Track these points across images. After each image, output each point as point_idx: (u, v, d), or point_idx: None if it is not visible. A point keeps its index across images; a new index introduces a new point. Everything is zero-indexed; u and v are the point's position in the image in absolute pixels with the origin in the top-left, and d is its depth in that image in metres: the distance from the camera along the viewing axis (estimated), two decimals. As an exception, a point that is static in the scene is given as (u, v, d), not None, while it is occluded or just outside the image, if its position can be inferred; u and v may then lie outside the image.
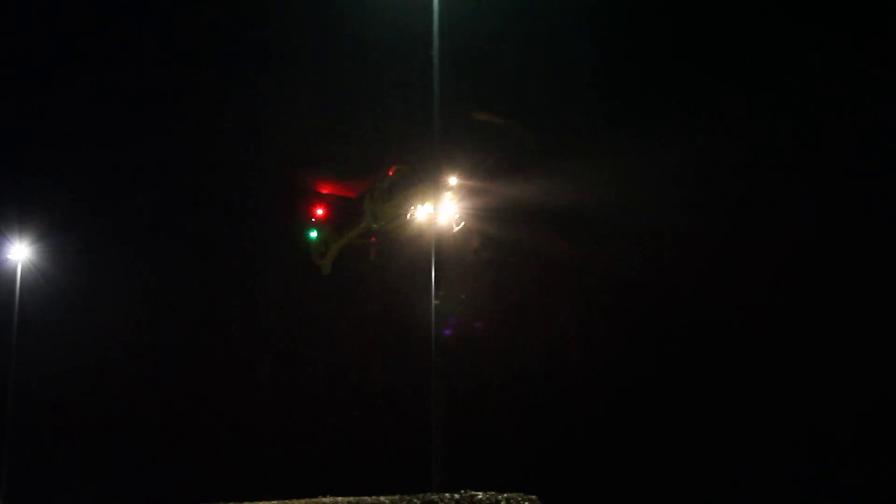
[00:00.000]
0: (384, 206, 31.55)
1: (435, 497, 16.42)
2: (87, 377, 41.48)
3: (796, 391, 32.38)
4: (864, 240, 32.37)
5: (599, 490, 31.11)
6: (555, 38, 36.08)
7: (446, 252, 27.70)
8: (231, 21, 41.97)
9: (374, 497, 17.18)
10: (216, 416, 40.72)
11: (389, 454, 35.01)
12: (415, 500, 16.38)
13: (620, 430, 34.58)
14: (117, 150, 44.78)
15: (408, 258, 31.26)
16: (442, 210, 28.48)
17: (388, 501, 16.73)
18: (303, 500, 18.37)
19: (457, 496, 16.30)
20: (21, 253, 38.79)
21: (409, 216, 30.62)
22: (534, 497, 16.84)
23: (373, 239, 33.25)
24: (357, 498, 17.51)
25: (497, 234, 33.71)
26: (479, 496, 16.32)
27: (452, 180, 29.68)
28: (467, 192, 30.40)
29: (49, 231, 39.80)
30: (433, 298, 21.88)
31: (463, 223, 29.92)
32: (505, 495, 16.44)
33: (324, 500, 18.09)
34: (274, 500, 18.88)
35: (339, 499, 17.82)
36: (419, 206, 30.25)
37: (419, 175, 29.85)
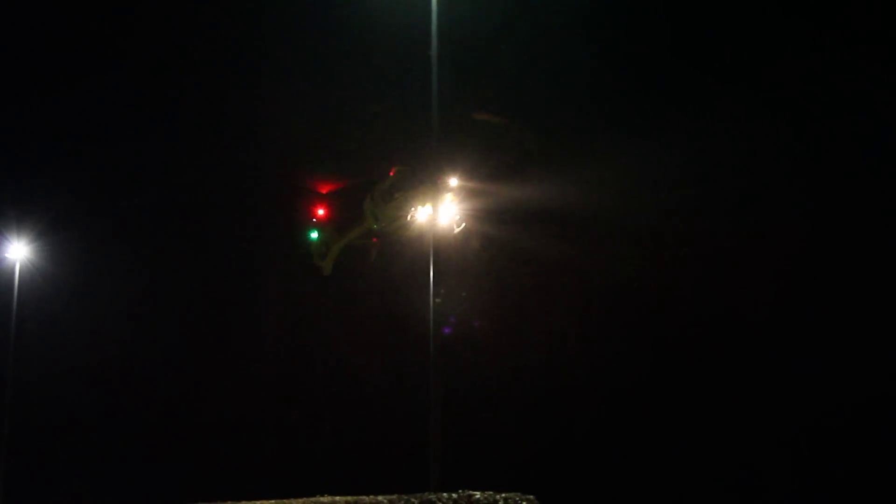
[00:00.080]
0: (385, 207, 31.56)
1: (433, 497, 16.43)
2: (85, 376, 41.46)
3: (793, 391, 32.44)
4: (861, 241, 32.43)
5: (597, 490, 31.13)
6: (554, 39, 36.12)
7: (447, 253, 27.78)
8: (231, 21, 41.99)
9: (372, 496, 17.17)
10: (215, 415, 40.71)
11: (388, 454, 35.01)
12: (413, 500, 16.39)
13: (618, 429, 34.61)
14: (116, 149, 44.79)
15: (409, 259, 31.28)
16: (442, 211, 28.54)
17: (386, 501, 16.72)
18: (301, 500, 18.36)
19: (455, 496, 16.31)
20: (19, 252, 38.76)
21: (409, 217, 30.62)
22: (532, 497, 16.85)
23: (374, 240, 33.24)
24: (355, 497, 17.50)
25: (497, 235, 33.75)
26: (477, 496, 16.33)
27: (453, 181, 29.72)
28: (468, 194, 30.42)
29: (47, 230, 39.79)
30: (431, 298, 21.90)
31: (464, 224, 29.95)
32: (503, 495, 16.45)
33: (322, 499, 18.08)
34: (272, 499, 18.88)
35: (338, 498, 17.81)
36: (420, 208, 30.25)
37: (419, 176, 29.86)
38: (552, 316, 36.33)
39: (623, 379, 35.18)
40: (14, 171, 45.54)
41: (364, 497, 17.31)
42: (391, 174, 31.56)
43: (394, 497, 16.74)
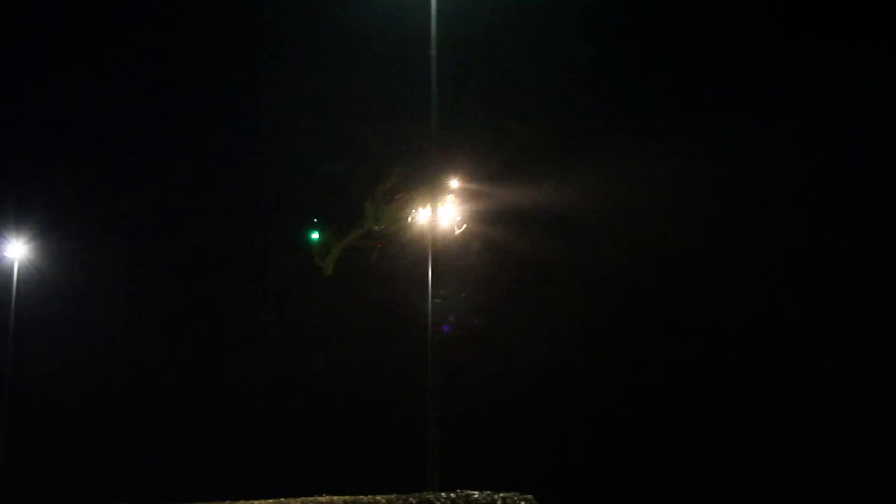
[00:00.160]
0: (385, 209, 31.60)
1: (431, 496, 16.43)
2: (84, 375, 41.46)
3: (790, 390, 32.52)
4: (857, 243, 32.55)
5: (596, 489, 31.16)
6: (555, 40, 36.16)
7: (447, 254, 27.84)
8: (231, 20, 41.97)
9: (370, 496, 17.17)
10: (214, 415, 40.72)
11: (386, 453, 35.03)
12: (411, 500, 16.39)
13: (617, 429, 34.67)
14: (115, 148, 44.81)
15: (410, 260, 31.33)
16: (443, 213, 28.62)
17: (384, 500, 16.72)
18: (299, 499, 18.37)
19: (453, 495, 16.31)
20: (18, 251, 38.76)
21: (410, 219, 30.65)
22: (530, 496, 16.85)
23: (378, 245, 33.28)
24: (353, 497, 17.50)
25: (498, 236, 33.78)
26: (476, 495, 16.33)
27: (454, 183, 29.77)
28: (469, 195, 30.46)
29: (46, 229, 39.77)
30: (430, 298, 21.92)
31: (465, 226, 30.01)
32: (501, 494, 16.45)
33: (320, 499, 18.08)
34: (270, 498, 18.89)
35: (336, 498, 17.81)
36: (420, 209, 30.29)
37: (420, 177, 29.91)
38: (551, 316, 36.37)
39: (622, 379, 35.24)
40: (12, 170, 45.54)
41: (362, 497, 17.32)
42: (392, 175, 31.61)
43: (392, 497, 16.74)
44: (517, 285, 36.55)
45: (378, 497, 16.94)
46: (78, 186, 44.04)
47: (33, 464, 40.05)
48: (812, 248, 33.39)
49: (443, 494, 16.40)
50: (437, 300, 21.94)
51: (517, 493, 16.72)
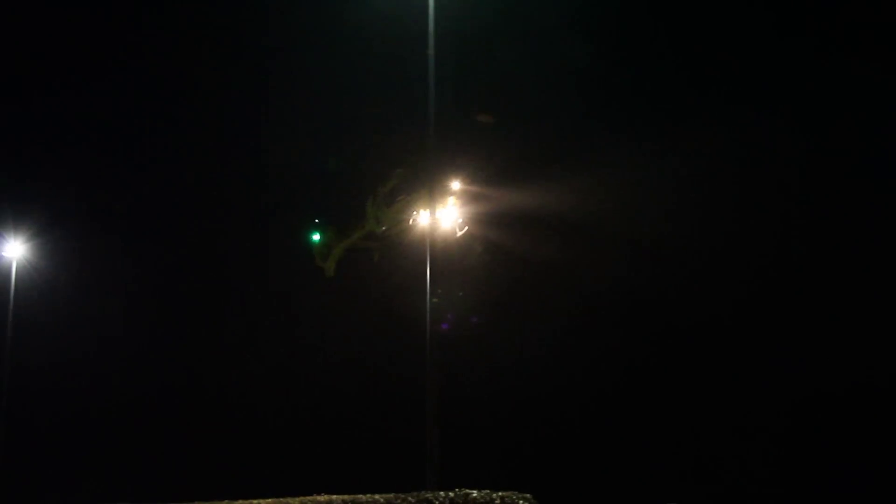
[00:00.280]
0: (387, 210, 31.57)
1: (430, 495, 16.44)
2: (82, 374, 41.45)
3: (788, 390, 32.58)
4: (852, 246, 32.66)
5: (594, 488, 31.18)
6: (555, 41, 36.21)
7: (448, 255, 27.84)
8: (231, 22, 41.99)
9: (369, 495, 17.19)
10: (213, 414, 40.72)
11: (385, 452, 35.05)
12: (410, 499, 16.39)
13: (615, 428, 34.70)
14: (115, 147, 44.79)
15: (411, 261, 31.27)
16: (445, 214, 28.63)
17: (383, 500, 16.73)
18: (298, 499, 18.38)
19: (451, 494, 16.31)
20: (16, 250, 38.73)
21: (411, 221, 30.60)
22: (529, 496, 16.85)
23: (377, 248, 33.24)
24: (352, 496, 17.52)
25: (499, 238, 33.76)
26: (474, 494, 16.33)
27: (455, 185, 29.76)
28: (471, 197, 30.44)
29: (44, 228, 39.75)
30: (428, 299, 21.93)
31: (466, 228, 30.00)
32: (500, 493, 16.45)
33: (319, 498, 18.10)
34: (269, 497, 18.90)
35: (335, 497, 17.82)
36: (421, 211, 30.24)
37: (422, 179, 29.85)
38: (550, 317, 36.42)
39: (620, 379, 35.29)
40: (11, 169, 45.51)
41: (361, 496, 17.33)
42: (393, 177, 31.56)
43: (391, 496, 16.75)
44: (517, 286, 36.60)
45: (377, 496, 16.96)
46: (77, 185, 44.07)
47: (32, 464, 40.04)
48: (810, 249, 33.46)
49: (441, 493, 16.41)
50: (436, 300, 21.95)
51: (516, 493, 16.72)
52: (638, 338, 35.51)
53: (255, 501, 18.96)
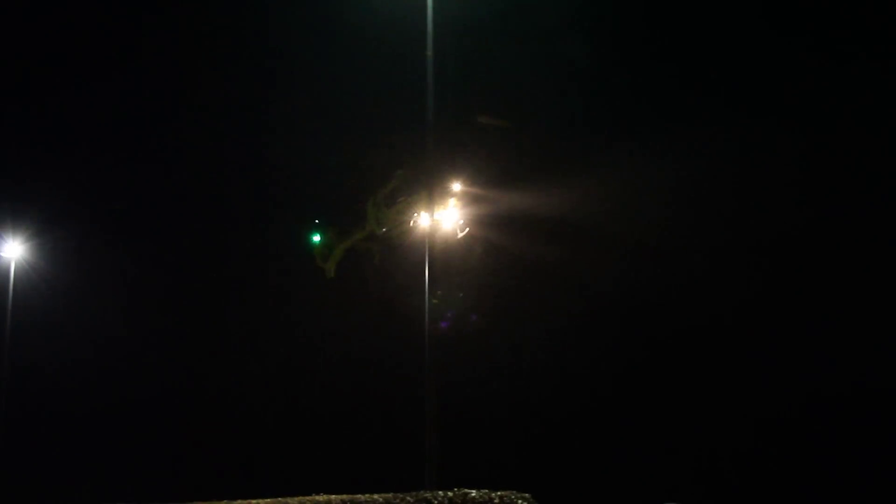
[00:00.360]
0: (387, 211, 31.56)
1: (428, 495, 16.46)
2: (81, 375, 41.43)
3: (784, 389, 32.66)
4: (850, 247, 32.76)
5: (593, 488, 31.22)
6: (557, 45, 36.27)
7: (450, 257, 27.85)
8: (233, 24, 42.00)
9: (367, 495, 17.20)
10: (211, 414, 40.72)
11: (384, 452, 35.07)
12: (408, 498, 16.41)
13: (613, 428, 34.74)
14: (114, 148, 44.78)
15: (412, 262, 31.28)
16: (446, 216, 28.65)
17: (381, 499, 16.75)
18: (297, 498, 18.40)
19: (450, 494, 16.33)
20: (15, 250, 38.72)
21: (412, 222, 30.58)
22: (527, 495, 16.88)
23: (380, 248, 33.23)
24: (351, 496, 17.53)
25: (500, 240, 33.76)
26: (473, 494, 16.35)
27: (456, 186, 29.77)
28: (472, 199, 30.44)
29: (43, 228, 39.73)
30: (427, 299, 21.95)
31: (467, 229, 30.01)
32: (498, 493, 16.47)
33: (318, 497, 18.12)
34: (268, 497, 18.92)
35: (333, 496, 17.84)
36: (422, 212, 30.23)
37: (422, 180, 29.87)
38: (549, 317, 36.47)
39: (619, 378, 35.33)
40: (9, 169, 45.49)
41: (360, 495, 17.34)
42: (393, 178, 31.54)
43: (389, 495, 16.76)
44: (517, 287, 36.64)
45: (375, 496, 16.97)
46: (75, 185, 44.05)
47: (31, 464, 40.04)
48: (808, 249, 33.54)
49: (440, 493, 16.42)
50: (436, 301, 21.98)
51: (514, 492, 16.74)
52: (638, 338, 35.56)
53: (255, 501, 18.98)
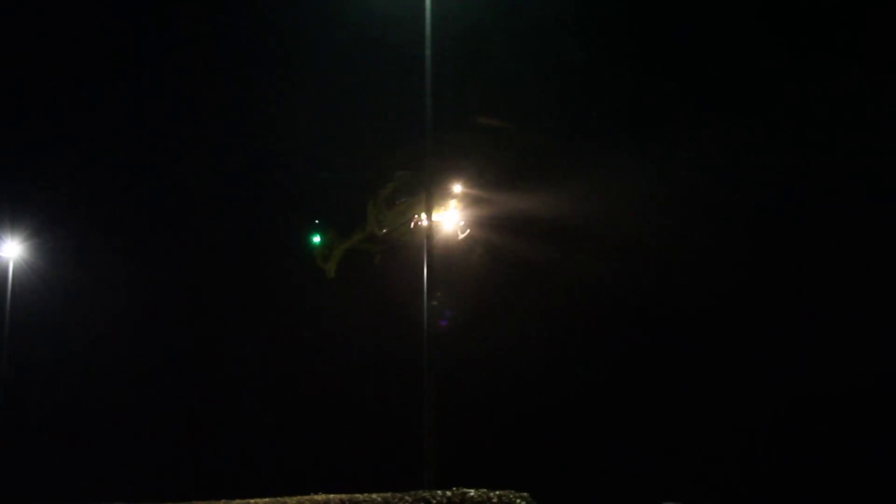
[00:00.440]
0: (388, 212, 31.52)
1: (427, 494, 16.45)
2: (80, 374, 41.41)
3: (783, 389, 32.71)
4: (847, 247, 32.86)
5: (591, 487, 31.24)
6: (556, 46, 36.30)
7: (450, 258, 27.83)
8: (234, 25, 42.02)
9: (366, 494, 17.20)
10: (211, 414, 40.73)
11: (382, 452, 35.08)
12: (407, 498, 16.40)
13: (611, 427, 34.76)
14: (114, 148, 44.77)
15: (412, 263, 31.27)
16: (447, 217, 28.64)
17: (380, 499, 16.74)
18: (296, 498, 18.41)
19: (448, 493, 16.32)
20: (13, 250, 38.69)
21: (412, 224, 30.53)
22: (526, 494, 16.86)
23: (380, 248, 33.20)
24: (349, 495, 17.53)
25: (500, 241, 33.74)
26: (471, 493, 16.34)
27: (457, 188, 29.75)
28: (473, 201, 30.41)
29: (41, 228, 39.70)
30: (425, 300, 21.93)
31: (468, 231, 29.98)
32: (497, 492, 16.46)
33: (316, 497, 18.12)
34: (267, 496, 18.93)
35: (332, 496, 17.84)
36: (423, 214, 30.21)
37: (422, 181, 29.84)
38: (550, 317, 36.50)
39: (619, 378, 35.37)
40: (8, 169, 45.47)
41: (358, 495, 17.34)
42: (395, 179, 31.51)
43: (388, 495, 16.76)
44: (517, 287, 36.66)
45: (374, 495, 16.96)
46: (74, 185, 44.03)
47: (30, 464, 40.02)
48: (807, 249, 33.60)
49: (438, 492, 16.41)
50: (435, 302, 21.97)
51: (513, 491, 16.73)
52: (637, 338, 35.61)
53: (254, 501, 18.99)
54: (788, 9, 35.39)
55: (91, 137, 45.10)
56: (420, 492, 16.80)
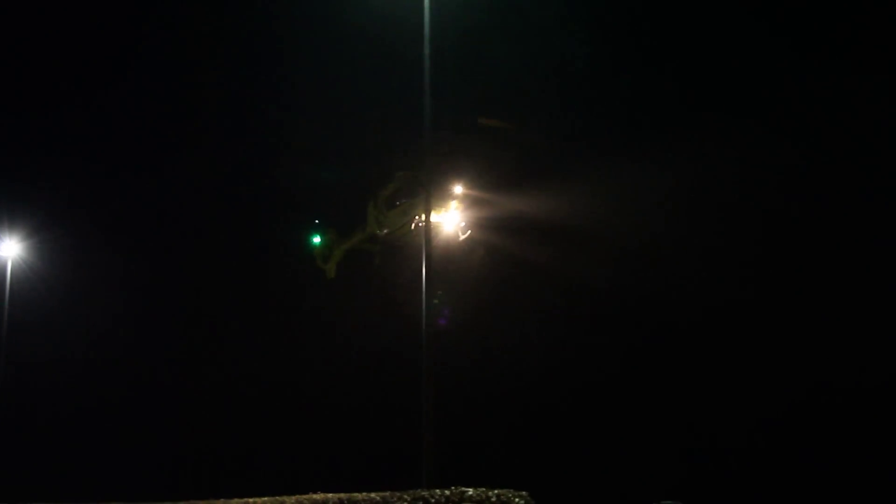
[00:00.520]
0: (388, 213, 31.50)
1: (426, 494, 16.43)
2: (78, 373, 41.40)
3: (783, 388, 32.73)
4: (846, 248, 32.89)
5: (591, 487, 31.24)
6: (556, 47, 36.33)
7: (451, 259, 27.82)
8: (234, 26, 42.04)
9: (365, 494, 17.19)
10: (210, 413, 40.72)
11: (382, 451, 35.07)
12: (406, 497, 16.39)
13: (611, 427, 34.77)
14: (113, 148, 44.79)
15: (412, 264, 31.23)
16: (448, 218, 28.61)
17: (379, 498, 16.73)
18: (294, 497, 18.41)
19: (448, 492, 16.30)
20: (11, 249, 38.66)
21: (413, 225, 30.49)
22: (525, 493, 16.85)
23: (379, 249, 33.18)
24: (348, 494, 17.53)
25: (501, 242, 33.74)
26: (470, 492, 16.31)
27: (458, 189, 29.73)
28: (473, 202, 30.39)
29: (39, 227, 39.67)
30: (424, 300, 21.92)
31: (469, 232, 29.98)
32: (496, 491, 16.44)
33: (315, 496, 18.13)
34: (266, 496, 18.94)
35: (330, 495, 17.85)
36: (423, 214, 30.18)
37: (423, 182, 29.80)
38: (549, 317, 36.52)
39: (618, 378, 35.38)
40: (6, 168, 45.48)
41: (357, 494, 17.34)
42: (395, 180, 31.50)
43: (386, 494, 16.75)
44: (517, 287, 36.67)
45: (373, 494, 16.96)
46: (73, 185, 44.05)
47: (29, 464, 40.00)
48: (807, 249, 33.63)
49: (437, 492, 16.39)
50: (435, 301, 21.95)
51: (512, 491, 16.71)
52: (637, 338, 35.62)
53: (252, 500, 19.00)
54: (788, 9, 35.46)
55: (90, 136, 45.17)
56: (419, 491, 16.79)
